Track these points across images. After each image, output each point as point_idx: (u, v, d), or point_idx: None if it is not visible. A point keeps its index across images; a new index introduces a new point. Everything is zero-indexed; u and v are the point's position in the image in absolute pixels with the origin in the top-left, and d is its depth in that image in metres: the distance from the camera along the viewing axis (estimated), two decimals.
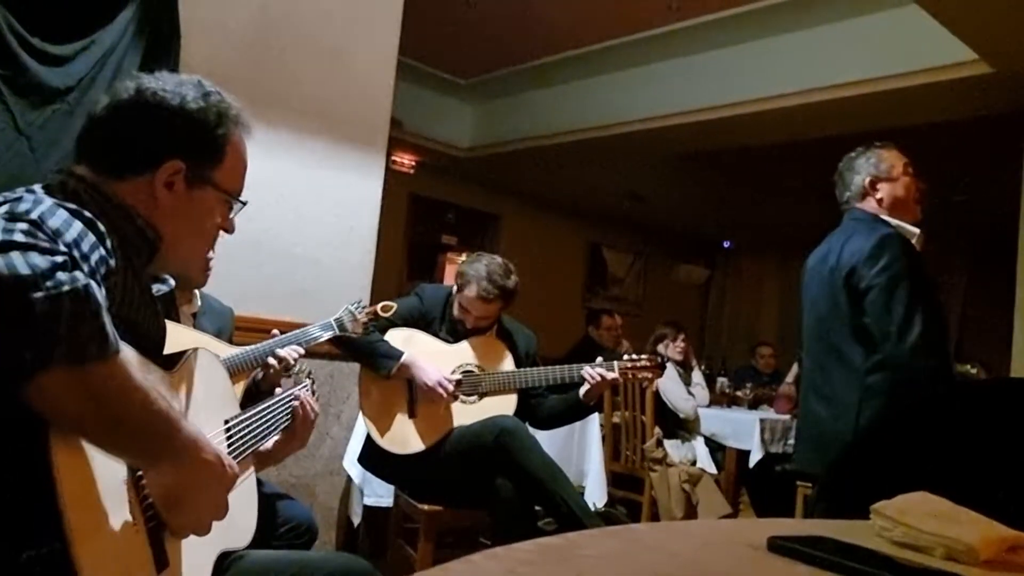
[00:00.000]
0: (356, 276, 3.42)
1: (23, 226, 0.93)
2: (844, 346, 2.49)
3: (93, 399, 0.92)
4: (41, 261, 0.88)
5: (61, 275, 0.88)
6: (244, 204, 1.34)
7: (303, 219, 3.25)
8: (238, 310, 2.63)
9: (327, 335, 2.47)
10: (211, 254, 2.29)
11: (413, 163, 7.81)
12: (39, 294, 0.85)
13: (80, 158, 1.22)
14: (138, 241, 1.21)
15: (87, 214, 1.06)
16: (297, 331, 2.41)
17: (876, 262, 2.39)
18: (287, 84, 3.22)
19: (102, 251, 1.05)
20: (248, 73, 3.10)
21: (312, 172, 3.29)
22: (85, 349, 0.89)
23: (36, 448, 0.89)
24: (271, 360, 2.29)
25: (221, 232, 1.34)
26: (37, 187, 1.13)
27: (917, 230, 2.60)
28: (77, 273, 0.90)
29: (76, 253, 0.98)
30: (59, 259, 0.90)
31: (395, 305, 2.72)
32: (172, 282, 1.39)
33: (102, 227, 1.07)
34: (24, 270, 0.86)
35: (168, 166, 1.21)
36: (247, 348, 2.27)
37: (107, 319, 0.92)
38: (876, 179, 2.62)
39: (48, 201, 1.04)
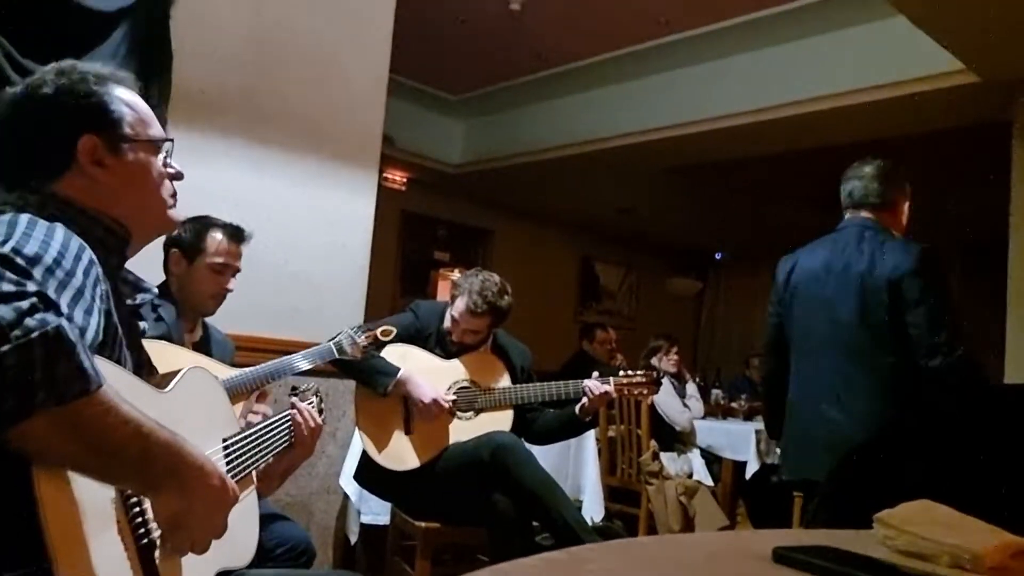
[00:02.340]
0: (349, 293, 3.41)
1: None
2: (873, 353, 2.51)
3: (81, 438, 0.91)
4: (6, 312, 0.86)
5: (29, 321, 0.87)
6: (171, 141, 1.31)
7: (295, 237, 3.25)
8: (230, 329, 2.62)
9: (326, 359, 2.45)
10: (230, 285, 2.30)
11: (404, 180, 7.81)
12: (6, 347, 0.84)
13: (8, 182, 1.19)
14: (109, 241, 1.21)
15: (63, 225, 1.06)
16: (295, 355, 2.39)
17: (924, 277, 2.46)
18: (279, 103, 3.22)
19: (88, 257, 1.04)
20: (240, 92, 3.10)
21: (304, 190, 3.28)
22: (65, 389, 0.88)
23: (18, 470, 0.89)
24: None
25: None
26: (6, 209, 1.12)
27: None
28: (47, 315, 0.89)
29: (58, 276, 0.97)
30: (25, 304, 0.88)
31: (395, 330, 2.71)
32: (155, 290, 1.39)
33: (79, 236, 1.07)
34: None
35: (84, 143, 1.19)
36: (244, 370, 2.25)
37: (85, 355, 0.91)
38: (898, 194, 2.70)
39: (23, 220, 1.03)
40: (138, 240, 1.28)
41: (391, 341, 2.76)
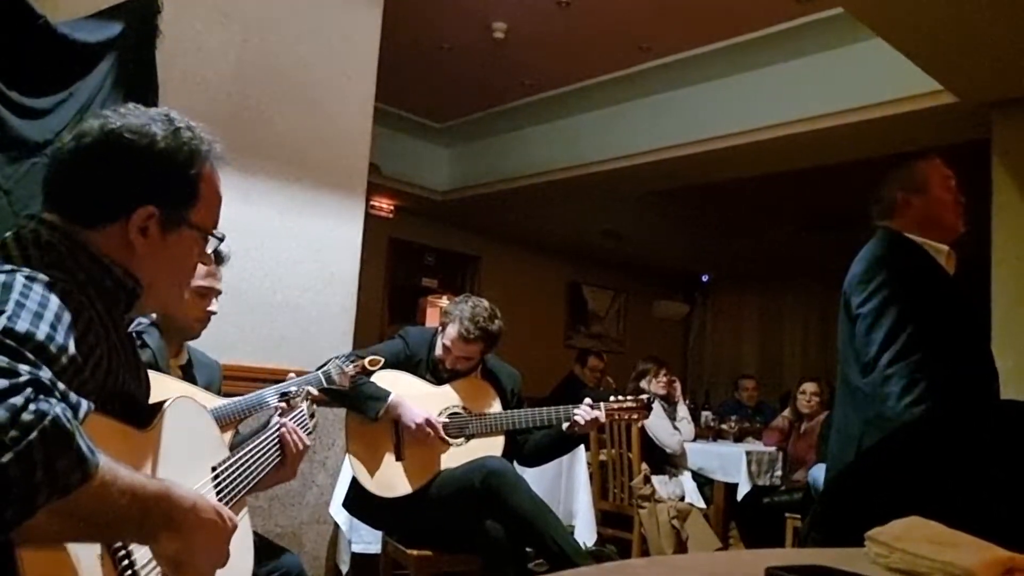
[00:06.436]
0: (338, 321, 3.40)
1: None
2: (852, 375, 2.30)
3: (79, 518, 0.89)
4: (2, 413, 0.80)
5: (26, 416, 0.81)
6: (221, 239, 1.30)
7: (283, 266, 3.25)
8: (220, 358, 2.60)
9: (314, 388, 2.44)
10: (214, 307, 2.28)
11: (392, 207, 7.83)
12: (8, 456, 0.78)
13: (49, 204, 1.16)
14: (118, 292, 1.17)
15: (60, 286, 1.02)
16: (282, 383, 2.38)
17: (865, 287, 2.20)
18: (266, 133, 3.23)
19: (83, 321, 1.02)
20: (227, 123, 3.10)
21: (292, 219, 3.29)
22: (68, 481, 0.84)
23: None
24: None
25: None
26: (8, 237, 1.10)
27: (945, 247, 2.35)
28: (41, 404, 0.83)
29: (50, 351, 0.92)
30: (20, 400, 0.82)
31: (383, 359, 2.70)
32: (148, 318, 1.38)
33: (79, 295, 1.05)
34: None
35: (140, 213, 1.16)
36: (234, 400, 2.24)
37: (81, 438, 0.86)
38: (907, 194, 2.38)
39: (19, 284, 0.97)
40: (138, 307, 1.24)
41: (379, 369, 2.76)
